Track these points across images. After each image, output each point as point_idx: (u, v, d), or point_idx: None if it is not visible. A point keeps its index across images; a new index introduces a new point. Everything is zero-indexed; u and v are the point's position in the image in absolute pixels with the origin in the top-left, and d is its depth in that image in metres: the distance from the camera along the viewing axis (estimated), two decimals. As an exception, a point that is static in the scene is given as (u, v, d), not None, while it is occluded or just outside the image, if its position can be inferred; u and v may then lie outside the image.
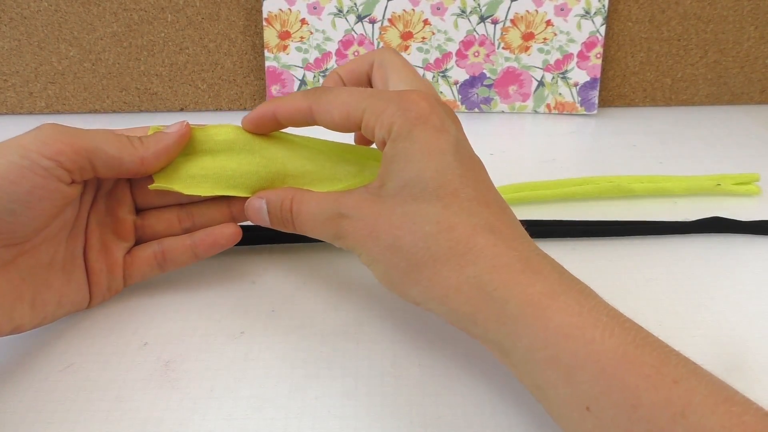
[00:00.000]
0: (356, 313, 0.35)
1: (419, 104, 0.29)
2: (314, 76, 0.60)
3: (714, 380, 0.23)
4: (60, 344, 0.32)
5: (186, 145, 0.34)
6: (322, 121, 0.32)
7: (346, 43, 0.59)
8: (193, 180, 0.34)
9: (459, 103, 0.62)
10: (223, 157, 0.34)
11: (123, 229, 0.34)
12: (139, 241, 0.35)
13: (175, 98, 0.61)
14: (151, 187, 0.33)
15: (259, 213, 0.33)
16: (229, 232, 0.34)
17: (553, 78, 0.61)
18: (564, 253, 0.40)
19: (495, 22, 0.59)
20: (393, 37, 0.59)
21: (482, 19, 0.59)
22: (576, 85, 0.61)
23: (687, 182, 0.46)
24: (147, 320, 0.34)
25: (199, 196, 0.34)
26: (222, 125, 0.35)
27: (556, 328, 0.24)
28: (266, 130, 0.34)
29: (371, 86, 0.37)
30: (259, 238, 0.40)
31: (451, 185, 0.28)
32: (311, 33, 0.59)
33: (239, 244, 0.40)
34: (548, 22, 0.59)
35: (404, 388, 0.30)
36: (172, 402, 0.29)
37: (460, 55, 0.60)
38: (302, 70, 0.60)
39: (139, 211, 0.35)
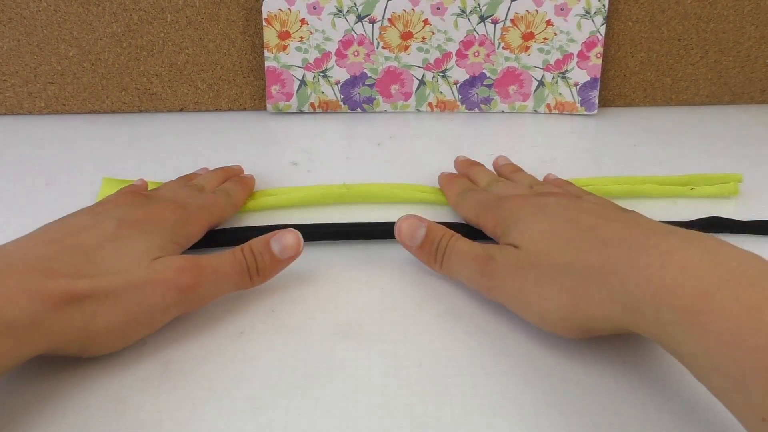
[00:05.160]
0: (356, 313, 0.35)
1: None
2: (314, 76, 0.60)
3: None
4: (59, 344, 0.32)
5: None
6: None
7: (346, 43, 0.59)
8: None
9: (459, 103, 0.62)
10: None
11: None
12: None
13: (174, 98, 0.61)
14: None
15: (414, 231, 0.36)
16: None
17: (554, 78, 0.61)
18: (564, 252, 0.40)
19: (495, 22, 0.59)
20: (393, 36, 0.59)
21: (482, 18, 0.59)
22: (576, 84, 0.61)
23: (663, 183, 0.47)
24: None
25: None
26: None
27: (715, 335, 0.22)
28: None
29: None
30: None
31: None
32: (311, 33, 0.59)
33: (238, 243, 0.40)
34: (548, 22, 0.59)
35: (404, 388, 0.30)
36: (172, 402, 0.29)
37: (460, 54, 0.60)
38: (302, 70, 0.60)
39: None
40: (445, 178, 0.47)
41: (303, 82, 0.60)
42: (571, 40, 0.60)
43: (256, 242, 0.35)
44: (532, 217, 0.34)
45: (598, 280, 0.28)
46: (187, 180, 0.45)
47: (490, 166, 0.49)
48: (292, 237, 0.35)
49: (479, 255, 0.34)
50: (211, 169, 0.48)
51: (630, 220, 0.32)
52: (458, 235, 0.36)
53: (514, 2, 0.58)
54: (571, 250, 0.30)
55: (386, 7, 0.58)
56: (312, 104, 0.61)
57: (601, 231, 0.30)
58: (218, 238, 0.40)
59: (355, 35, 0.59)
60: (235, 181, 0.45)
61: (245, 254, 0.34)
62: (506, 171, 0.47)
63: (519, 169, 0.47)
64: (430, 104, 0.62)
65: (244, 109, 0.62)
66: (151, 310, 0.31)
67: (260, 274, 0.34)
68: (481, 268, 0.33)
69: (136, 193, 0.39)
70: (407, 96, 0.61)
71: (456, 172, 0.49)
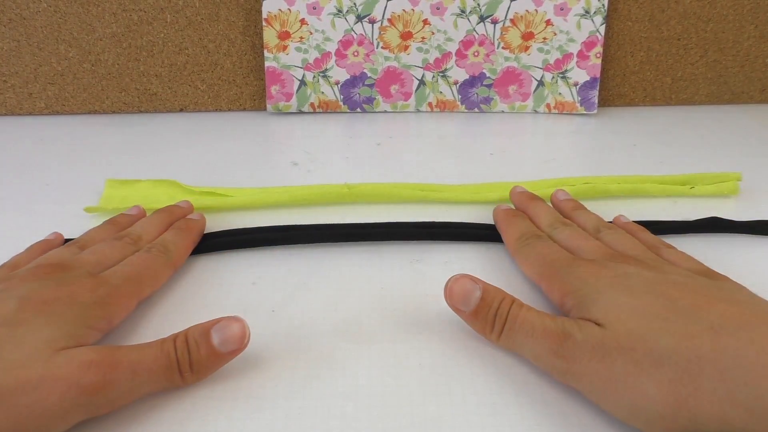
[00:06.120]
0: (356, 313, 0.35)
1: None
2: (314, 76, 0.60)
3: None
4: (60, 345, 0.32)
5: None
6: None
7: (345, 43, 0.59)
8: None
9: (459, 102, 0.62)
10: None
11: None
12: None
13: (174, 99, 0.61)
14: None
15: (468, 295, 0.31)
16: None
17: (553, 78, 0.61)
18: (564, 252, 0.40)
19: (495, 22, 0.59)
20: (392, 37, 0.59)
21: (482, 18, 0.59)
22: (576, 84, 0.61)
23: (662, 182, 0.47)
24: (147, 320, 0.34)
25: None
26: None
27: None
28: None
29: None
30: (259, 240, 0.40)
31: None
32: (311, 33, 0.59)
33: (239, 246, 0.40)
34: (548, 22, 0.59)
35: (404, 388, 0.30)
36: (172, 402, 0.29)
37: (460, 54, 0.60)
38: (302, 70, 0.60)
39: None
40: (501, 216, 0.41)
41: (303, 83, 0.60)
42: (571, 40, 0.60)
43: (193, 330, 0.29)
44: (614, 290, 0.30)
45: (712, 375, 0.24)
46: (120, 227, 0.39)
47: (489, 167, 0.49)
48: (238, 327, 0.29)
49: (552, 330, 0.29)
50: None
51: (734, 299, 0.28)
52: (520, 301, 0.31)
53: (513, 2, 0.58)
54: (671, 334, 0.26)
55: (386, 7, 0.58)
56: (312, 104, 0.61)
57: (705, 313, 0.27)
58: (214, 243, 0.40)
59: (354, 35, 0.59)
60: (178, 230, 0.39)
61: (177, 345, 0.29)
62: (566, 208, 0.42)
63: (580, 206, 0.42)
64: (429, 104, 0.62)
65: (244, 110, 0.62)
66: (45, 415, 0.25)
67: (194, 370, 0.29)
68: (555, 347, 0.28)
69: (50, 264, 0.33)
70: (407, 96, 0.62)
71: (513, 206, 0.43)
